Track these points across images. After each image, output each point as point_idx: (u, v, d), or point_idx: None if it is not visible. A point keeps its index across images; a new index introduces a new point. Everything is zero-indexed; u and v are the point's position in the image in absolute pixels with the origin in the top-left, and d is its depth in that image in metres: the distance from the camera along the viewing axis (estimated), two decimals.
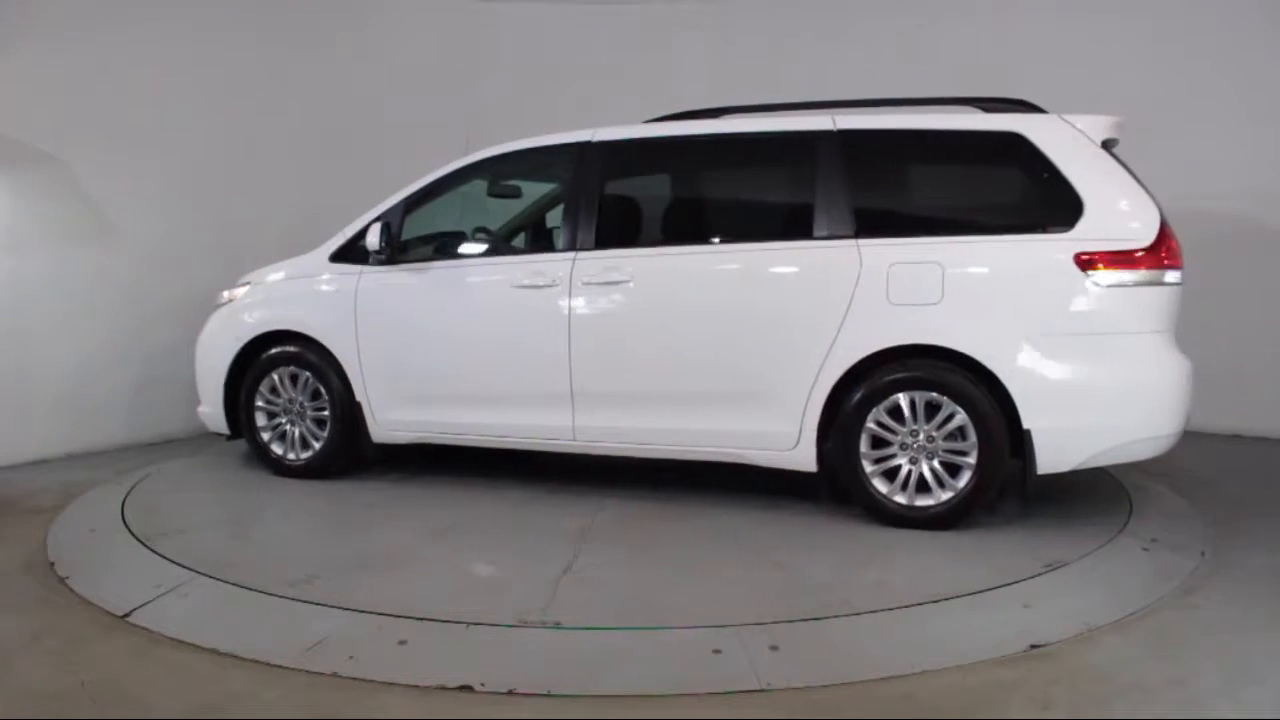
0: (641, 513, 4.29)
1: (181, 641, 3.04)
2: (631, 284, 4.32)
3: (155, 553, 3.80)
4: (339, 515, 4.44)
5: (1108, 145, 4.03)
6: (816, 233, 4.14)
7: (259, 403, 5.03)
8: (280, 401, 5.02)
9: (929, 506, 3.98)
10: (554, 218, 4.84)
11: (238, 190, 6.30)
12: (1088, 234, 3.84)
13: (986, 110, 4.14)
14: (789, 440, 4.13)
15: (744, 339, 4.19)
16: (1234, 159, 5.75)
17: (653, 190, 4.80)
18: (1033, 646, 2.92)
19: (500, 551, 3.88)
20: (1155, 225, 3.84)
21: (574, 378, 4.41)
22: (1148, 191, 3.92)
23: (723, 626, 3.03)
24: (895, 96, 4.37)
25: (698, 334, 4.25)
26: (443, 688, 2.71)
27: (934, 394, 3.94)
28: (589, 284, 4.36)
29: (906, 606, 3.18)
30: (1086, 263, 3.81)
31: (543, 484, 4.74)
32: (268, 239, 6.40)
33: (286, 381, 4.99)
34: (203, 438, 6.06)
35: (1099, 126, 4.02)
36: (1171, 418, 3.90)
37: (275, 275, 5.13)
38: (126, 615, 3.25)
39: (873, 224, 4.10)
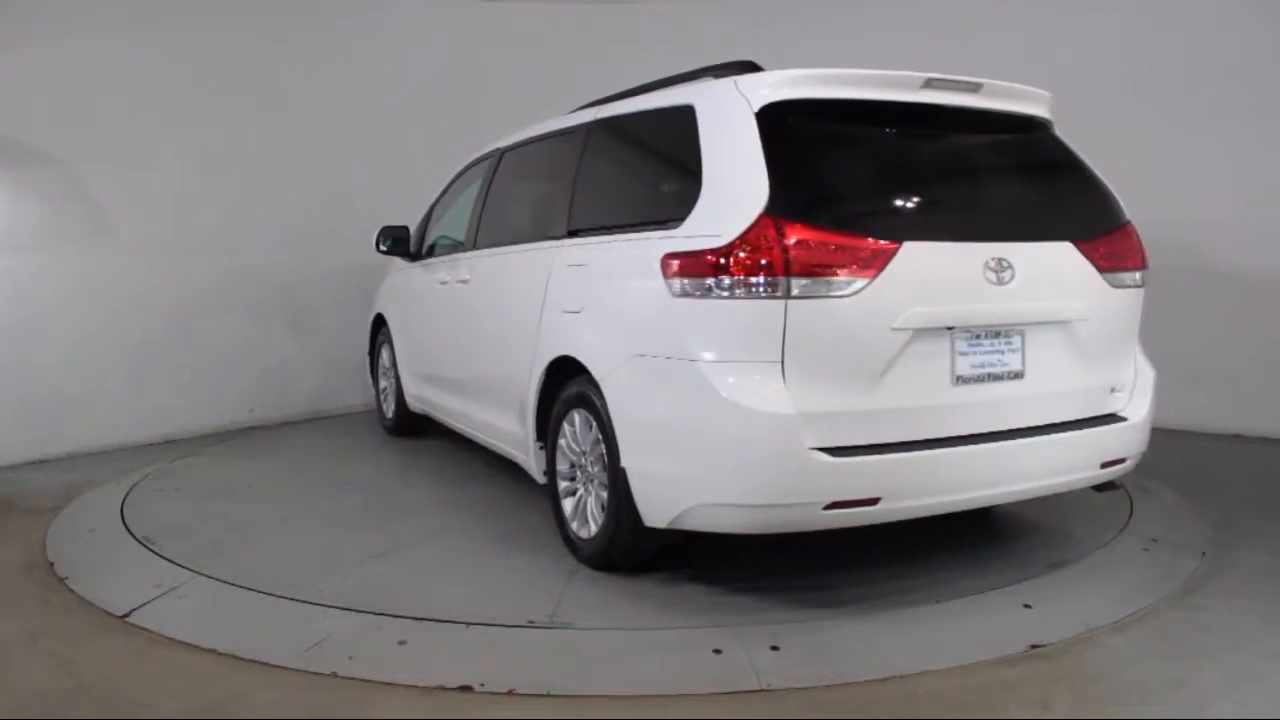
0: None
1: (181, 641, 3.03)
2: (471, 282, 4.69)
3: (155, 553, 3.80)
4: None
5: (844, 112, 3.19)
6: (550, 232, 3.95)
7: (381, 370, 6.16)
8: (384, 371, 6.11)
9: (584, 541, 3.57)
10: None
11: (238, 190, 6.30)
12: (688, 230, 3.12)
13: (716, 78, 3.43)
14: (525, 448, 4.00)
15: (498, 341, 4.27)
16: (1238, 156, 5.73)
17: (506, 193, 4.84)
18: (1033, 647, 2.92)
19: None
20: (747, 219, 2.93)
21: (457, 367, 4.89)
22: (775, 174, 2.98)
23: (723, 626, 3.03)
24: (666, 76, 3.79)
25: (485, 333, 4.50)
26: (443, 688, 2.71)
27: (589, 414, 3.49)
28: (460, 282, 4.79)
29: (907, 607, 3.18)
30: (668, 267, 3.11)
31: None
32: (268, 238, 6.41)
33: (383, 354, 6.05)
34: (202, 438, 6.07)
35: (760, 88, 3.15)
36: (754, 483, 2.93)
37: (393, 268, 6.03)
38: (126, 615, 3.25)
39: (581, 222, 3.79)
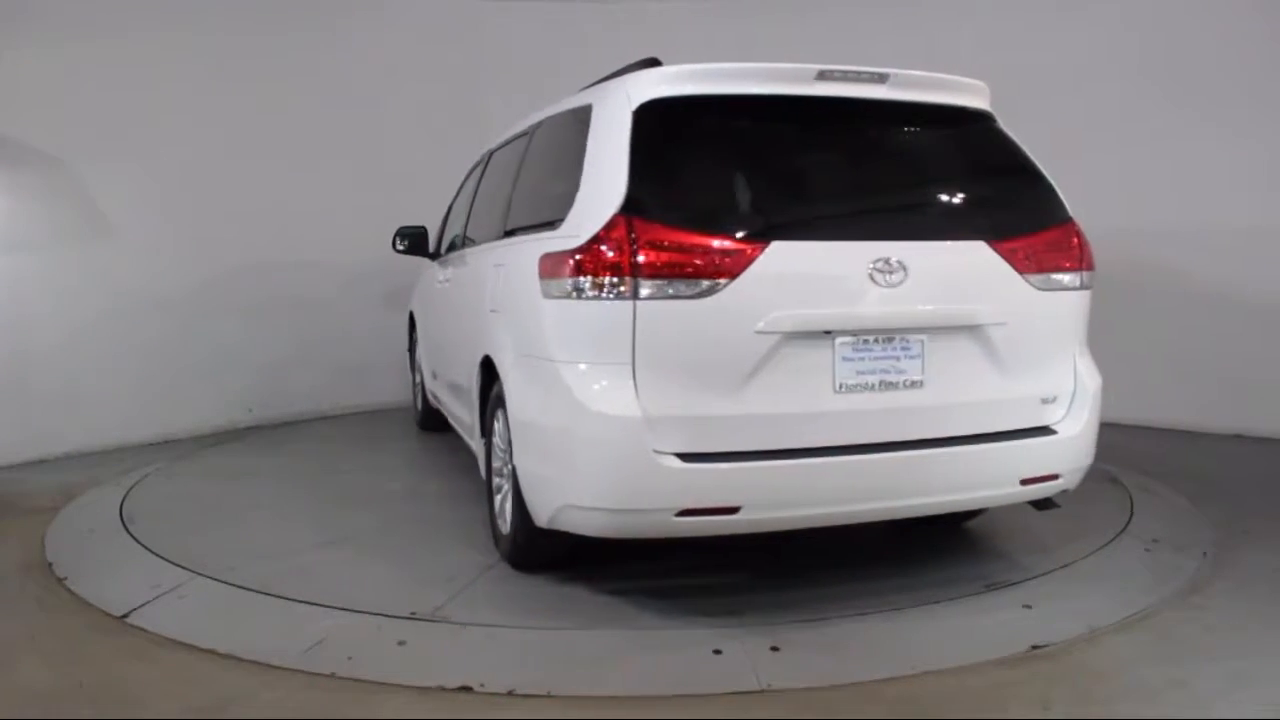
0: None
1: (181, 642, 3.03)
2: (451, 281, 4.80)
3: (154, 553, 3.80)
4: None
5: (729, 108, 3.10)
6: (497, 232, 3.99)
7: (415, 366, 6.28)
8: (416, 366, 6.26)
9: (503, 537, 3.54)
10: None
11: (238, 189, 6.28)
12: (563, 231, 3.07)
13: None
14: (477, 444, 4.08)
15: (458, 338, 4.35)
16: (1237, 154, 5.73)
17: (486, 193, 4.84)
18: (1034, 647, 2.91)
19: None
20: (602, 219, 2.88)
21: (442, 362, 5.01)
22: (638, 173, 2.91)
23: (723, 627, 3.03)
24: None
25: (452, 330, 4.62)
26: (442, 688, 2.70)
27: (506, 413, 3.40)
28: (446, 281, 4.93)
29: (906, 607, 3.18)
30: (541, 268, 3.10)
31: None
32: (267, 238, 6.41)
33: (416, 351, 6.23)
34: (201, 438, 6.06)
35: (643, 86, 3.08)
36: (604, 486, 2.87)
37: None
38: (125, 616, 3.25)
39: (513, 222, 3.81)
